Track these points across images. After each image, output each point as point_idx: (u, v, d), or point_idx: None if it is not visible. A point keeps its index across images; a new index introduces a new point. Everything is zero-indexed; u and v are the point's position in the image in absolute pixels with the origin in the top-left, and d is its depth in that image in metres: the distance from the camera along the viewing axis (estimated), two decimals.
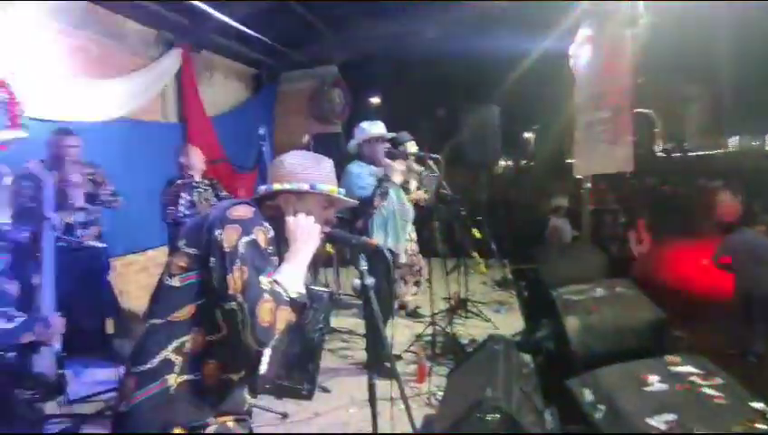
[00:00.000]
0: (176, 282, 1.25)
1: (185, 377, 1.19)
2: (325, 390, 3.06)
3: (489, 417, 2.03)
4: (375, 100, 7.85)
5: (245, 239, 1.20)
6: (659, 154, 9.91)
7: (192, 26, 5.06)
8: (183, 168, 3.72)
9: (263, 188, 1.43)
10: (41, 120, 3.37)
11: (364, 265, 1.46)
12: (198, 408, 1.19)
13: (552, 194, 6.51)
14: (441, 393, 2.83)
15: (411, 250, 4.21)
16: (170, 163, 3.82)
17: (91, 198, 3.37)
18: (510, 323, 4.25)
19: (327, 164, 1.48)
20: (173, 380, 1.18)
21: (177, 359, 1.19)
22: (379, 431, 1.63)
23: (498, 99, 6.18)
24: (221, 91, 6.22)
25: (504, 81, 6.52)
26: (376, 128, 3.36)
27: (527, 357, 3.34)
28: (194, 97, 5.35)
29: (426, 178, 4.09)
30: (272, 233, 1.30)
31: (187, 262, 1.25)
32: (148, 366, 1.18)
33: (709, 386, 2.08)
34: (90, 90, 4.06)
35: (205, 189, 3.74)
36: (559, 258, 4.25)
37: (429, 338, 3.62)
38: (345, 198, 1.48)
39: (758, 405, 1.89)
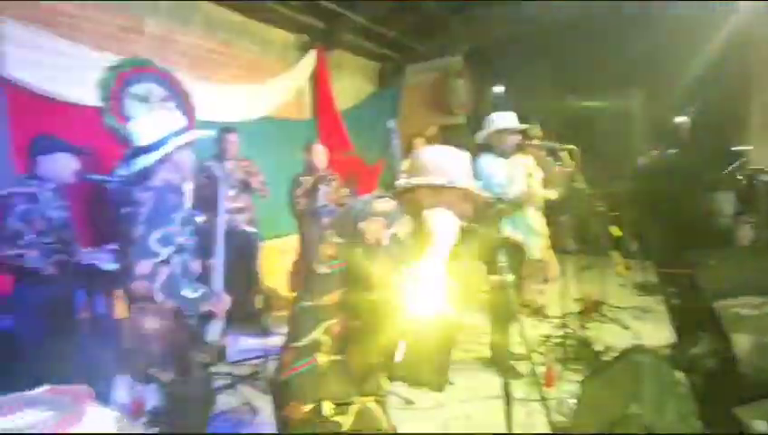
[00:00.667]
0: (324, 269, 1.34)
1: (333, 357, 1.28)
2: (449, 382, 3.06)
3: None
4: (500, 89, 7.55)
5: (389, 232, 1.24)
6: None
7: (326, 27, 5.40)
8: (308, 164, 3.98)
9: (402, 181, 1.45)
10: (205, 121, 3.93)
11: (503, 261, 1.41)
12: (345, 386, 1.27)
13: (712, 187, 5.60)
14: (572, 401, 2.64)
15: (540, 246, 3.97)
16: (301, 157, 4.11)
17: (246, 186, 3.81)
18: (652, 333, 3.78)
19: (464, 159, 1.46)
20: (322, 357, 1.27)
21: (326, 339, 1.29)
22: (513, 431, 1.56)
23: (642, 81, 5.50)
24: (349, 86, 6.54)
25: (650, 62, 5.77)
26: (505, 119, 3.23)
27: (680, 375, 2.95)
28: (326, 94, 5.71)
29: (557, 172, 3.81)
30: (410, 227, 1.32)
31: (335, 251, 1.33)
32: (302, 343, 1.29)
33: None
34: (242, 93, 4.59)
35: (334, 182, 3.98)
36: (724, 263, 3.63)
37: (559, 341, 3.39)
38: (482, 193, 1.44)
39: None
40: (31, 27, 3.06)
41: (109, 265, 2.54)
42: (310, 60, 5.43)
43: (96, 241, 2.83)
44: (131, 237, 1.67)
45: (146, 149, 1.81)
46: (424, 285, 1.21)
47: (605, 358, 3.28)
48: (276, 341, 3.50)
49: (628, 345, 2.90)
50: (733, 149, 7.03)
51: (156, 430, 2.20)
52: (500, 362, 3.13)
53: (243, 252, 3.62)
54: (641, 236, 4.97)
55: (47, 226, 2.34)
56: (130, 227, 1.69)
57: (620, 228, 4.05)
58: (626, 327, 3.87)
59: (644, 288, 4.77)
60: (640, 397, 2.01)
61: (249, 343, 3.57)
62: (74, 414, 0.95)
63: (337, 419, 1.25)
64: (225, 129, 3.80)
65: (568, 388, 2.89)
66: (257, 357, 3.25)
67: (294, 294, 1.50)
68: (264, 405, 2.76)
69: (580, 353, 3.30)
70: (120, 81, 3.53)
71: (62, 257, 2.37)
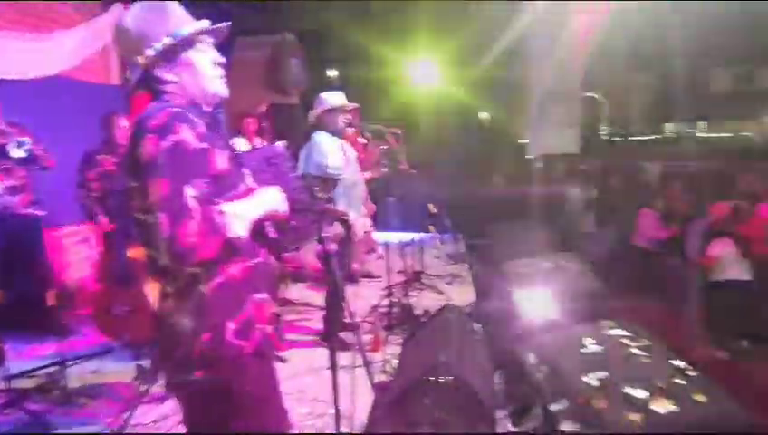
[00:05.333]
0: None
1: None
2: (281, 359, 3.09)
3: (443, 380, 2.14)
4: (334, 72, 7.71)
5: (165, 145, 1.08)
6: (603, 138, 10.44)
7: None
8: (108, 139, 3.47)
9: None
10: None
11: (327, 234, 1.48)
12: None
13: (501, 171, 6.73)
14: (396, 361, 2.94)
15: (365, 226, 4.26)
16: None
17: (24, 160, 3.11)
18: (461, 295, 4.43)
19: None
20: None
21: None
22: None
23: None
24: None
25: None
26: (336, 98, 3.32)
27: (478, 326, 3.53)
28: None
29: (384, 152, 4.12)
30: (202, 128, 1.16)
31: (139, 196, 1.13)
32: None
33: (637, 347, 2.30)
34: (23, 46, 3.71)
35: None
36: (509, 234, 4.45)
37: (385, 309, 3.72)
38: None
39: (678, 363, 2.12)
40: None
41: None
42: (114, 15, 4.66)
43: None
44: None
45: None
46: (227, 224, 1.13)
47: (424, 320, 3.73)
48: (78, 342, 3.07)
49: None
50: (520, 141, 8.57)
51: None
52: (329, 334, 3.28)
53: (20, 240, 2.99)
54: (454, 211, 5.71)
55: None
56: None
57: (436, 206, 4.62)
58: (440, 292, 4.44)
59: (455, 257, 5.54)
60: (447, 347, 2.36)
61: (40, 349, 2.98)
62: None
63: None
64: None
65: (393, 350, 3.20)
66: (52, 365, 2.76)
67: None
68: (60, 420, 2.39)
69: (404, 319, 3.69)
70: None
71: None
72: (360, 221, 3.50)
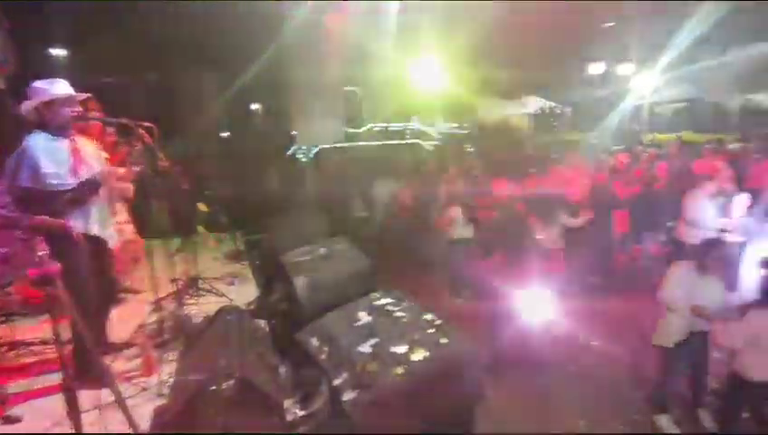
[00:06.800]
0: None
1: None
2: (15, 420, 2.43)
3: (224, 385, 2.04)
4: (61, 52, 6.31)
5: None
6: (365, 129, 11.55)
7: None
8: None
9: None
10: None
11: (44, 251, 1.21)
12: None
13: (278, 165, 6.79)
14: (173, 379, 2.67)
15: (124, 234, 3.69)
16: None
17: None
18: (243, 295, 4.29)
19: None
20: None
21: None
22: None
23: (220, 65, 5.92)
24: None
25: (230, 49, 6.27)
26: (58, 87, 2.71)
27: (262, 322, 3.50)
28: None
29: (135, 150, 3.59)
30: None
31: None
32: None
33: (399, 310, 2.67)
34: None
35: None
36: (285, 226, 4.52)
37: (155, 326, 3.31)
38: None
39: (428, 316, 2.55)
40: None
41: None
42: None
43: None
44: None
45: None
46: None
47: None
48: None
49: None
50: (293, 133, 8.75)
51: None
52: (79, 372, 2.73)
53: None
54: (229, 209, 5.45)
55: None
56: None
57: (208, 205, 4.33)
58: (221, 295, 4.20)
59: (234, 256, 5.33)
60: (226, 351, 2.26)
61: None
62: None
63: None
64: None
65: (172, 370, 2.88)
66: None
67: None
68: None
69: (179, 331, 3.35)
70: None
71: None
72: (110, 232, 2.99)
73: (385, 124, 11.75)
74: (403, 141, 11.35)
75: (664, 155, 7.81)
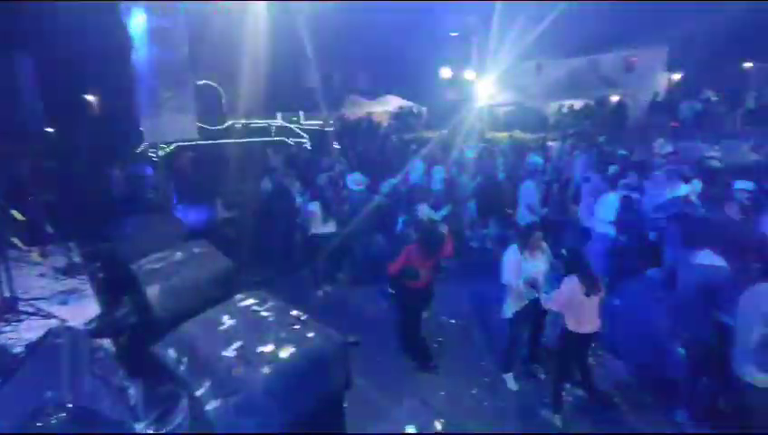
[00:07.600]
0: None
1: None
2: None
3: (55, 418, 1.75)
4: None
5: None
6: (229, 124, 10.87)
7: None
8: None
9: None
10: None
11: None
12: None
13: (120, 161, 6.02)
14: None
15: None
16: None
17: None
18: (80, 313, 3.69)
19: None
20: None
21: None
22: None
23: (38, 50, 5.00)
24: None
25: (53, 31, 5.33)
26: None
27: (105, 341, 3.07)
28: None
29: None
30: None
31: None
32: None
33: (264, 310, 2.57)
34: None
35: None
36: (135, 231, 4.03)
37: None
38: None
39: (294, 312, 2.51)
40: None
41: None
42: None
43: None
44: None
45: None
46: None
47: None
48: None
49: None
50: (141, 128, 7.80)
51: None
52: None
53: None
54: (57, 217, 4.64)
55: None
56: None
57: (23, 212, 3.62)
58: (51, 317, 3.56)
59: (68, 271, 4.55)
60: (56, 379, 1.93)
61: None
62: None
63: None
64: None
65: None
66: None
67: None
68: None
69: None
70: None
71: None
72: None
73: (247, 121, 11.25)
74: (268, 139, 11.01)
75: (501, 151, 8.94)
